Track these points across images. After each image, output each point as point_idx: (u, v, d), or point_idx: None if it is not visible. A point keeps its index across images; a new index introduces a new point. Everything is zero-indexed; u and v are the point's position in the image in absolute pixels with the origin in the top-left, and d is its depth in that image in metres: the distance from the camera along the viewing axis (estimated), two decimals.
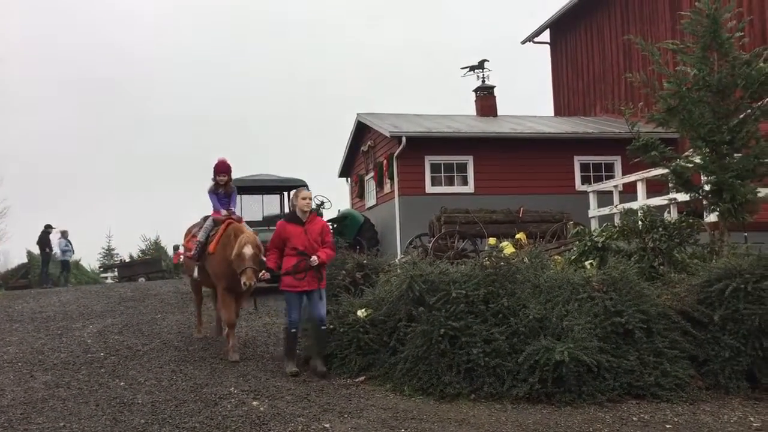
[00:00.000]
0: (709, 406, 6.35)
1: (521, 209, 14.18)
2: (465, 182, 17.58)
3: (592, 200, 15.60)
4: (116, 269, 30.79)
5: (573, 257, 9.58)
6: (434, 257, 11.63)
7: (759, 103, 9.02)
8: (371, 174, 19.90)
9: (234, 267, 7.85)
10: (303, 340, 8.12)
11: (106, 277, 31.52)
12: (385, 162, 18.23)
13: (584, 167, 17.93)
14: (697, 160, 9.37)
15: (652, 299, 7.08)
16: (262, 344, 9.07)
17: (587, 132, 18.03)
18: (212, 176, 8.94)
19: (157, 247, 37.67)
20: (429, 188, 17.37)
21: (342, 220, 17.96)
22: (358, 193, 21.58)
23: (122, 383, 7.14)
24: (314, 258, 7.52)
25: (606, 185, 15.70)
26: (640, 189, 13.61)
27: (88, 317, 11.48)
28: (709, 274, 7.38)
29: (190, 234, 9.24)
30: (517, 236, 11.44)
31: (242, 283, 7.72)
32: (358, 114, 20.09)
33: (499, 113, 20.82)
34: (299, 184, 14.26)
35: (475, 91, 21.27)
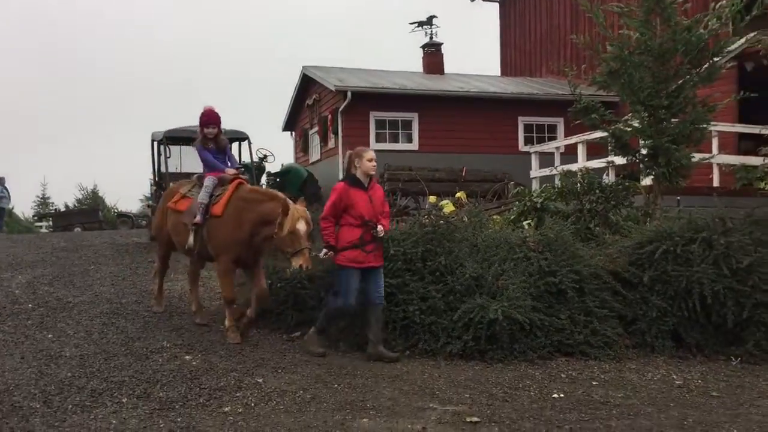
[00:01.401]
0: (634, 363, 6.56)
1: (464, 169, 14.23)
2: (410, 140, 17.52)
3: (534, 161, 15.76)
4: (51, 218, 29.89)
5: (512, 217, 9.69)
6: None
7: (698, 69, 9.18)
8: (315, 128, 19.65)
9: (283, 246, 6.40)
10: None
11: (41, 227, 30.60)
12: (329, 117, 18.01)
13: (528, 128, 18.07)
14: (636, 124, 9.51)
15: (586, 260, 7.21)
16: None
17: (532, 93, 18.13)
18: (198, 129, 7.56)
19: (94, 196, 36.66)
20: (373, 144, 17.21)
21: (285, 174, 17.73)
22: (302, 147, 21.32)
23: (50, 335, 6.94)
24: (380, 228, 6.53)
25: (548, 147, 15.86)
26: (581, 151, 13.79)
27: (18, 267, 11.10)
28: (641, 237, 7.55)
29: (178, 194, 7.58)
30: (457, 195, 11.49)
31: (294, 266, 6.35)
32: (303, 67, 19.71)
33: (446, 71, 20.72)
34: (240, 137, 13.97)
35: (423, 47, 21.08)
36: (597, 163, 12.73)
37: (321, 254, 6.47)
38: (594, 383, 5.92)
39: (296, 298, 7.41)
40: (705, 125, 9.47)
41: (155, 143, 15.66)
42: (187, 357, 6.33)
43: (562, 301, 6.88)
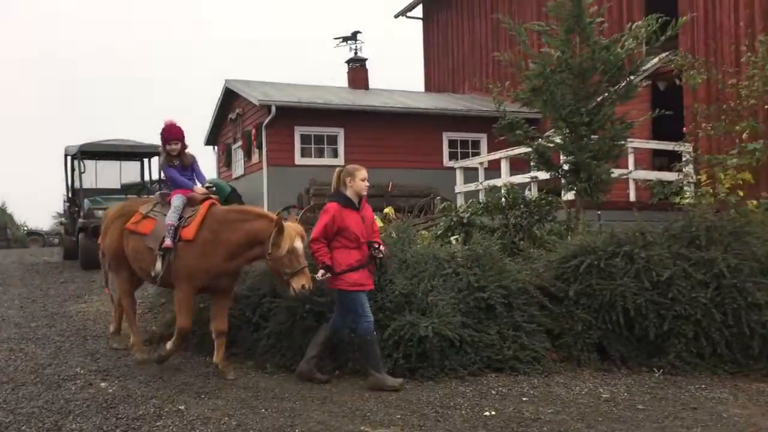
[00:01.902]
0: (562, 378, 6.60)
1: (390, 184, 14.22)
2: (335, 154, 17.40)
3: (459, 176, 15.91)
4: None
5: (439, 232, 9.69)
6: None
7: (616, 87, 9.44)
8: (239, 143, 19.29)
9: (280, 267, 5.94)
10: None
11: None
12: (253, 131, 17.71)
13: (452, 143, 18.25)
14: (558, 140, 9.69)
15: (513, 275, 7.23)
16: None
17: (456, 109, 18.34)
18: (161, 146, 7.01)
19: (1, 213, 34.93)
20: (299, 159, 17.06)
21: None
22: (225, 162, 20.89)
23: None
24: (383, 248, 6.34)
25: (472, 162, 16.06)
26: (504, 166, 14.00)
27: None
28: (565, 251, 7.65)
29: (137, 214, 6.81)
30: (385, 211, 11.44)
31: (296, 289, 5.89)
32: (226, 80, 19.35)
33: (370, 86, 20.75)
34: (160, 151, 13.51)
35: (348, 62, 21.06)
36: (520, 178, 12.95)
37: (318, 276, 6.03)
38: (524, 399, 5.91)
39: None
40: (623, 142, 9.76)
41: (69, 158, 15.03)
42: (102, 384, 6.00)
43: (491, 316, 6.87)
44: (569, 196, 10.14)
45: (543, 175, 10.99)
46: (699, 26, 13.49)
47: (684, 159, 12.39)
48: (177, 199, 6.60)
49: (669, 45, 11.41)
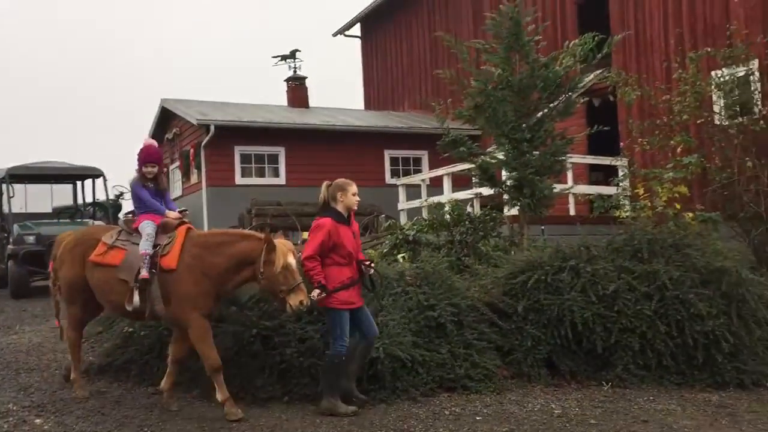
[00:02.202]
0: (514, 395, 6.57)
1: None
2: (276, 174, 17.21)
3: (401, 193, 15.91)
4: None
5: (385, 251, 9.62)
6: None
7: (555, 104, 9.60)
8: (176, 163, 18.88)
9: (275, 285, 5.69)
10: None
11: None
12: (191, 151, 17.36)
13: (394, 161, 18.28)
14: (501, 156, 9.78)
15: (462, 292, 7.21)
16: (48, 351, 8.13)
17: (397, 126, 18.40)
18: (136, 166, 6.48)
19: None
20: (239, 179, 16.80)
21: None
22: None
23: None
24: (373, 265, 6.30)
25: (415, 179, 16.10)
26: (447, 183, 14.07)
27: None
28: (513, 267, 7.67)
29: (101, 245, 6.25)
30: None
31: (293, 306, 5.69)
32: (162, 100, 18.95)
33: (311, 105, 20.64)
34: (94, 173, 13.10)
35: (287, 81, 20.92)
36: (463, 195, 13.02)
37: (314, 295, 5.79)
38: (478, 418, 5.85)
39: (163, 346, 6.87)
40: (564, 157, 9.92)
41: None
42: (37, 421, 5.68)
43: (441, 335, 6.81)
44: (513, 211, 10.22)
45: (486, 191, 11.06)
46: (631, 44, 13.90)
47: (621, 173, 12.67)
48: (148, 226, 6.13)
49: (602, 62, 11.69)
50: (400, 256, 9.15)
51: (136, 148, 6.50)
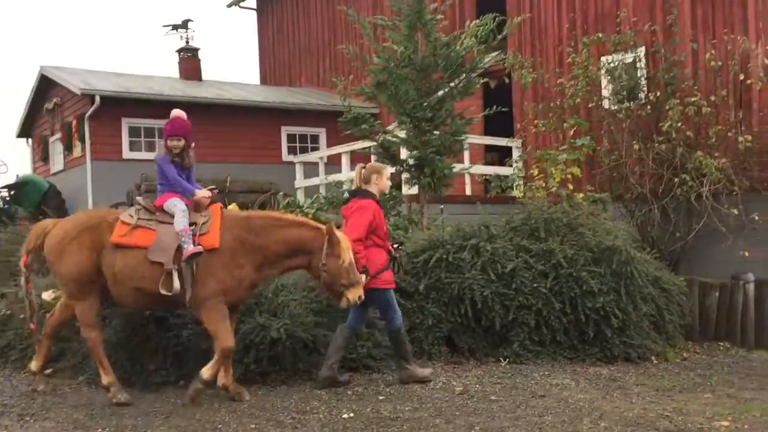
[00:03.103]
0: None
1: (228, 177, 13.68)
2: None
3: (299, 171, 15.64)
4: None
5: None
6: None
7: (455, 83, 9.64)
8: (58, 135, 17.73)
9: (338, 279, 5.57)
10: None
11: None
12: (74, 122, 16.33)
13: (291, 138, 17.92)
14: (402, 134, 9.75)
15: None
16: None
17: (294, 102, 18.04)
18: (163, 140, 6.02)
19: None
20: (127, 153, 15.96)
21: (22, 186, 15.80)
22: (42, 156, 19.13)
23: None
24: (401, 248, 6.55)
25: (312, 156, 15.86)
26: (345, 161, 13.93)
27: None
28: (414, 246, 7.67)
29: (121, 225, 5.66)
30: (229, 207, 10.94)
31: (351, 300, 5.63)
32: (41, 67, 17.69)
33: (204, 78, 19.90)
34: None
35: (178, 52, 20.04)
36: None
37: (363, 280, 5.80)
38: (381, 398, 5.82)
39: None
40: (463, 137, 10.01)
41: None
42: None
43: (344, 314, 6.70)
44: (413, 190, 10.24)
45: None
46: (526, 28, 14.16)
47: (516, 154, 12.97)
48: (179, 203, 5.69)
49: (499, 45, 11.85)
50: None
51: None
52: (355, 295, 5.63)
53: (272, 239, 5.69)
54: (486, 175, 12.77)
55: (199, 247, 5.51)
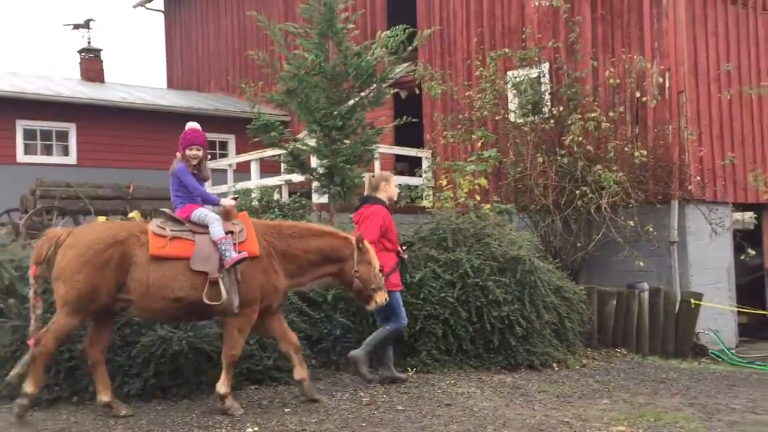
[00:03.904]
0: (323, 384, 6.51)
1: (131, 185, 13.19)
2: (66, 152, 15.79)
3: None
4: None
5: None
6: (27, 237, 10.13)
7: (366, 93, 9.66)
8: None
9: (366, 285, 5.91)
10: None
11: None
12: None
13: None
14: (312, 143, 9.67)
15: None
16: None
17: (202, 108, 17.63)
18: (180, 148, 5.88)
19: None
20: (21, 157, 15.18)
21: None
22: None
23: None
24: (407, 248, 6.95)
25: (220, 163, 15.54)
26: (255, 169, 13.72)
27: None
28: None
29: (156, 238, 5.49)
30: (131, 214, 10.56)
31: (379, 303, 6.01)
32: None
33: (107, 80, 19.19)
34: None
35: (80, 52, 19.25)
36: (272, 181, 12.77)
37: None
38: (287, 410, 5.70)
39: None
40: (373, 147, 10.02)
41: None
42: None
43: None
44: (322, 199, 10.17)
45: (297, 178, 10.92)
46: (436, 40, 14.40)
47: (425, 165, 13.13)
48: (209, 212, 5.66)
49: (410, 56, 12.00)
50: None
51: None
52: (382, 297, 6.01)
53: (305, 247, 5.88)
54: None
55: (245, 253, 5.53)
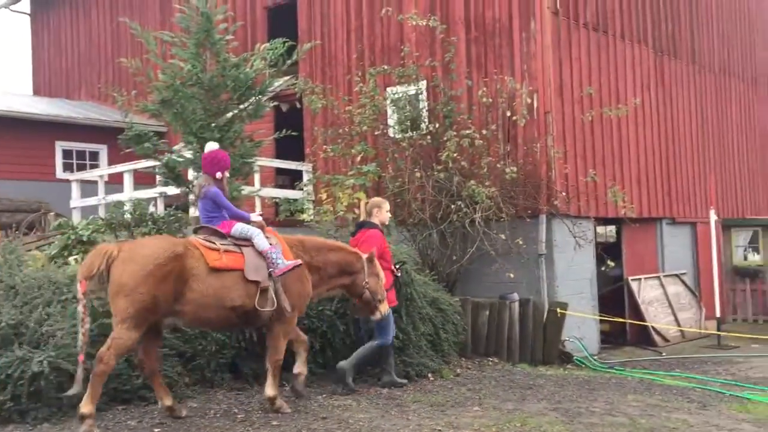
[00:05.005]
0: (196, 401, 6.37)
1: None
2: None
3: (75, 190, 14.52)
4: None
5: (54, 252, 8.70)
6: None
7: (245, 106, 9.55)
8: None
9: (374, 296, 6.65)
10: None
11: None
12: None
13: (67, 154, 16.67)
14: (188, 155, 9.45)
15: None
16: None
17: (72, 117, 16.81)
18: (212, 173, 6.30)
19: None
20: None
21: None
22: None
23: None
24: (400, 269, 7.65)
25: (91, 174, 14.83)
26: (128, 180, 13.20)
27: None
28: None
29: (211, 251, 5.83)
30: None
31: (383, 312, 6.79)
32: None
33: None
34: None
35: None
36: (147, 193, 12.35)
37: None
38: (156, 430, 5.53)
39: None
40: (252, 160, 9.92)
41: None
42: None
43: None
44: (196, 212, 9.93)
45: (172, 191, 10.62)
46: (317, 55, 14.47)
47: (306, 178, 13.13)
48: (249, 226, 6.14)
49: (291, 69, 11.99)
50: (72, 258, 8.33)
51: None
52: (385, 308, 6.77)
53: (325, 260, 6.49)
54: (276, 198, 12.77)
55: (298, 261, 6.09)
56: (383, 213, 7.55)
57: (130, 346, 5.51)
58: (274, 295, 5.90)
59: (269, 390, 6.04)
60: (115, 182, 13.87)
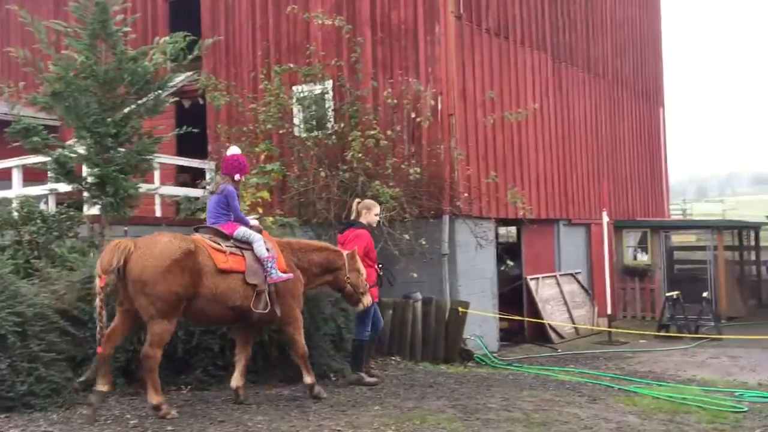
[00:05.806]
0: (86, 408, 6.09)
1: None
2: None
3: None
4: None
5: None
6: None
7: (143, 100, 9.25)
8: None
9: (356, 289, 7.16)
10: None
11: None
12: None
13: None
14: (81, 150, 9.06)
15: (29, 298, 6.46)
16: None
17: None
18: (231, 174, 6.65)
19: None
20: None
21: None
22: None
23: None
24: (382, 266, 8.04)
25: None
26: (16, 176, 12.51)
27: None
28: (90, 270, 7.13)
29: (218, 252, 6.26)
30: None
31: (366, 303, 7.31)
32: None
33: None
34: None
35: None
36: (36, 190, 11.74)
37: None
38: None
39: None
40: (151, 156, 9.61)
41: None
42: None
43: (2, 348, 5.98)
44: (93, 210, 9.54)
45: (64, 188, 10.15)
46: (221, 51, 14.18)
47: (208, 176, 12.83)
48: (252, 231, 6.52)
49: (193, 65, 11.70)
50: None
51: None
52: (368, 299, 7.24)
53: (310, 260, 6.93)
54: (177, 196, 12.42)
55: (291, 275, 6.50)
56: (371, 215, 7.93)
57: (168, 337, 6.00)
58: (268, 298, 6.34)
59: (306, 378, 6.73)
60: (4, 178, 13.12)
